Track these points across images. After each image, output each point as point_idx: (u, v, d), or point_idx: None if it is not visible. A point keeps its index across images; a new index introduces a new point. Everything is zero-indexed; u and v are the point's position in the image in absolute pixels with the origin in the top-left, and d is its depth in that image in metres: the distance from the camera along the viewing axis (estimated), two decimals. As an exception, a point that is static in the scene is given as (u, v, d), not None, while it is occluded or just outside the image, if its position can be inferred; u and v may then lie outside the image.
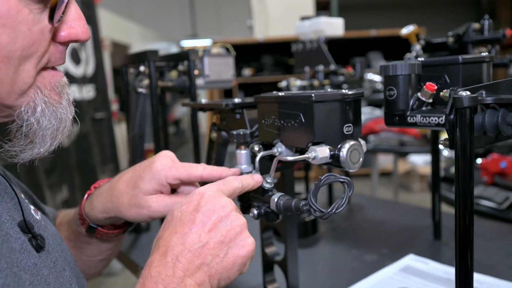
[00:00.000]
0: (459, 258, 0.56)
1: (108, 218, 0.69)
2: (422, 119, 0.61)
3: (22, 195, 0.70)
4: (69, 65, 3.14)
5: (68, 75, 3.10)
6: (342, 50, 3.20)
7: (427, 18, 7.46)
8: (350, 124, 0.59)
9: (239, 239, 0.52)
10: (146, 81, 1.13)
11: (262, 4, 5.04)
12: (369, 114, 2.94)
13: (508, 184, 1.52)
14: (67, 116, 0.52)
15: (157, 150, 1.16)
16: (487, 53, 0.76)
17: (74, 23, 0.50)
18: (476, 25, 0.99)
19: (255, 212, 0.62)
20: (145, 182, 0.62)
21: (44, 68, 0.50)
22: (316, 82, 1.42)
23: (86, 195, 0.73)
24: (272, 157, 0.64)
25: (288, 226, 0.82)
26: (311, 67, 1.51)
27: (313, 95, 0.56)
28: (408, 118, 0.62)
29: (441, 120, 0.58)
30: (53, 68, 0.52)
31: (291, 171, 0.80)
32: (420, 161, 4.71)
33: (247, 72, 5.08)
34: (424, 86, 0.61)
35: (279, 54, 5.18)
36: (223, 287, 0.52)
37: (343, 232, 1.24)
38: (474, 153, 0.54)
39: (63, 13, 0.48)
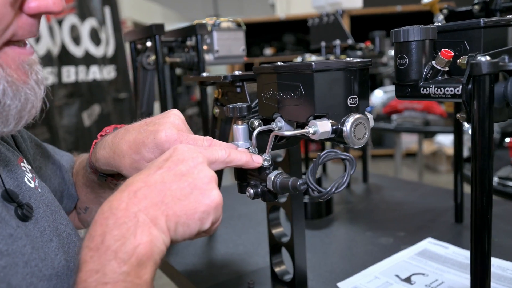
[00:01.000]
0: (474, 244, 0.51)
1: (112, 171, 0.67)
2: (436, 90, 0.55)
3: (30, 155, 0.69)
4: (89, 45, 3.13)
5: (88, 55, 3.10)
6: (366, 28, 3.08)
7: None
8: (355, 96, 0.53)
9: (204, 188, 0.48)
10: (152, 57, 1.10)
11: (284, -19, 4.92)
12: (392, 92, 2.83)
13: (539, 164, 1.43)
14: (35, 96, 0.48)
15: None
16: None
17: None
18: (505, -9, 0.91)
19: (251, 191, 0.58)
20: (147, 150, 0.59)
21: (8, 44, 0.46)
22: (332, 57, 1.35)
23: (93, 143, 0.70)
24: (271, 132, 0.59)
25: (295, 206, 0.78)
26: (328, 42, 1.44)
27: (313, 63, 0.51)
28: (421, 89, 0.56)
29: (458, 91, 0.52)
30: (23, 45, 0.48)
31: (297, 149, 0.75)
32: (448, 141, 4.56)
33: (268, 51, 5.00)
34: (439, 53, 0.54)
35: (301, 33, 5.06)
36: (180, 236, 0.47)
37: (358, 214, 1.19)
38: (493, 127, 0.48)
39: None
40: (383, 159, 4.92)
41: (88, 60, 3.13)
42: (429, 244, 0.95)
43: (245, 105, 0.58)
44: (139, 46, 1.18)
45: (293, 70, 0.53)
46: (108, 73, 3.38)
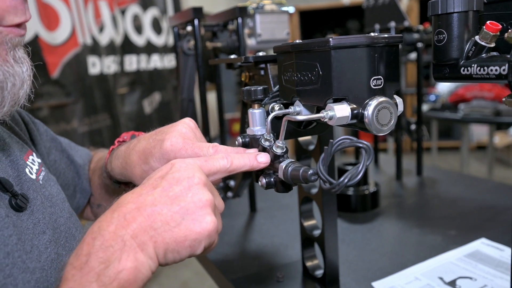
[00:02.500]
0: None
1: (126, 180, 0.66)
2: (479, 70, 0.47)
3: (45, 148, 0.70)
4: (150, 34, 3.21)
5: (149, 44, 3.18)
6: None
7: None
8: (379, 77, 0.47)
9: (197, 214, 0.44)
10: (192, 42, 1.08)
11: (349, -36, 4.74)
12: (460, 80, 2.64)
13: None
14: (16, 75, 0.47)
15: (204, 118, 1.12)
16: None
17: None
18: None
19: (264, 180, 0.54)
20: (155, 160, 0.58)
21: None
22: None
23: (110, 149, 0.70)
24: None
25: (326, 198, 0.73)
26: (383, 24, 1.35)
27: (330, 39, 0.45)
28: (462, 69, 0.49)
29: (503, 70, 0.44)
30: (18, 26, 0.47)
31: (329, 136, 0.70)
32: (525, 134, 4.20)
33: (331, 38, 4.87)
34: (484, 27, 0.47)
35: (366, 18, 4.88)
36: (170, 262, 0.45)
37: (407, 209, 1.11)
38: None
39: None
40: (451, 151, 4.64)
41: (150, 49, 3.21)
42: (482, 245, 0.86)
43: (260, 88, 0.54)
44: (181, 31, 1.17)
45: (310, 48, 0.48)
46: (168, 61, 3.45)
